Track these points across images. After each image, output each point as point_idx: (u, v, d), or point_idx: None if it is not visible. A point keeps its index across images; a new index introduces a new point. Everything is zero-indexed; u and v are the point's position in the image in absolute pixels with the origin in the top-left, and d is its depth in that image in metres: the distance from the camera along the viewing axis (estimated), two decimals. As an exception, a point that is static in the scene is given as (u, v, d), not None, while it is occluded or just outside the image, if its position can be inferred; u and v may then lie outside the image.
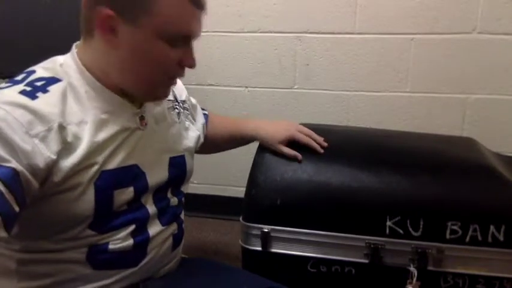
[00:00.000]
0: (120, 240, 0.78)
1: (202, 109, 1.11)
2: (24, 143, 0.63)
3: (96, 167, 0.72)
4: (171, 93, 0.92)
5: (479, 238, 0.91)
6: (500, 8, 1.45)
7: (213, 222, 1.83)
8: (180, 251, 0.95)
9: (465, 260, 0.93)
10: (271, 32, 1.63)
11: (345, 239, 0.96)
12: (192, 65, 0.79)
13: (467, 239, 0.92)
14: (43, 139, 0.66)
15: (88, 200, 0.72)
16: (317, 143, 1.06)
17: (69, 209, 0.71)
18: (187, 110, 0.98)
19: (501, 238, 0.91)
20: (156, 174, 0.83)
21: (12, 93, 0.67)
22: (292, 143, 1.05)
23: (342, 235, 0.96)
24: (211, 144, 1.11)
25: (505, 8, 1.45)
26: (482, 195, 0.95)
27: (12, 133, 0.62)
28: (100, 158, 0.73)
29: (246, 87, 1.71)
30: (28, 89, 0.69)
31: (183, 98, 0.98)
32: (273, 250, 1.00)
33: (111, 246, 0.77)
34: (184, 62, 0.77)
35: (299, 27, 1.60)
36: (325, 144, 1.06)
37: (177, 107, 0.94)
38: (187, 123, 0.96)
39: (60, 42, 0.80)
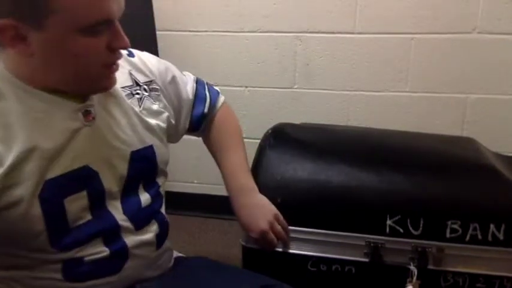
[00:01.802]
0: (93, 253, 0.74)
1: (218, 92, 1.04)
2: None
3: (35, 178, 0.66)
4: (128, 77, 0.83)
5: (479, 237, 0.91)
6: (500, 8, 1.45)
7: (213, 221, 1.83)
8: (169, 246, 0.91)
9: (465, 258, 0.93)
10: (271, 32, 1.63)
11: (345, 238, 0.96)
12: (123, 46, 0.70)
13: (468, 237, 0.92)
14: None
15: (35, 215, 0.67)
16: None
17: (18, 225, 0.67)
18: (156, 91, 0.87)
19: (501, 237, 0.91)
20: (112, 172, 0.77)
21: None
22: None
23: (342, 234, 0.96)
24: (204, 139, 1.07)
25: (505, 8, 1.45)
26: (482, 194, 0.95)
27: None
28: (37, 167, 0.67)
29: (246, 87, 1.71)
30: None
31: (150, 78, 0.86)
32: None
33: (86, 259, 0.74)
34: (114, 45, 0.69)
35: (299, 27, 1.60)
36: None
37: (138, 91, 0.83)
38: (154, 106, 0.85)
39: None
